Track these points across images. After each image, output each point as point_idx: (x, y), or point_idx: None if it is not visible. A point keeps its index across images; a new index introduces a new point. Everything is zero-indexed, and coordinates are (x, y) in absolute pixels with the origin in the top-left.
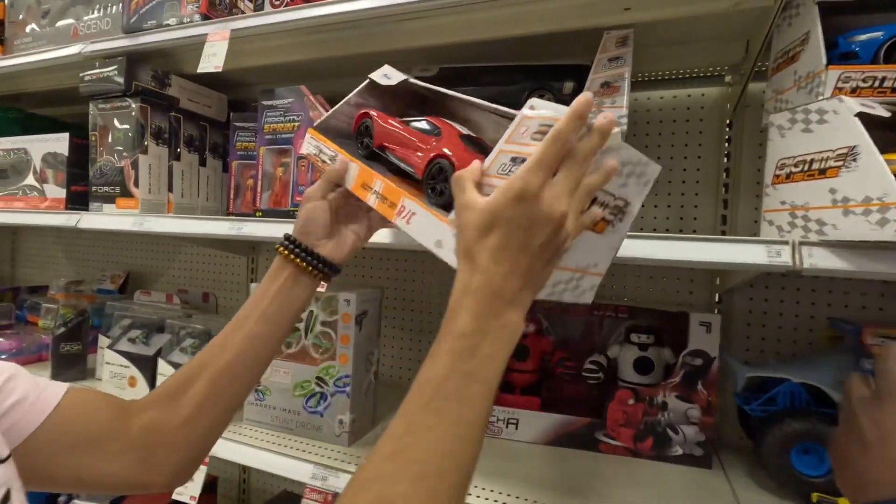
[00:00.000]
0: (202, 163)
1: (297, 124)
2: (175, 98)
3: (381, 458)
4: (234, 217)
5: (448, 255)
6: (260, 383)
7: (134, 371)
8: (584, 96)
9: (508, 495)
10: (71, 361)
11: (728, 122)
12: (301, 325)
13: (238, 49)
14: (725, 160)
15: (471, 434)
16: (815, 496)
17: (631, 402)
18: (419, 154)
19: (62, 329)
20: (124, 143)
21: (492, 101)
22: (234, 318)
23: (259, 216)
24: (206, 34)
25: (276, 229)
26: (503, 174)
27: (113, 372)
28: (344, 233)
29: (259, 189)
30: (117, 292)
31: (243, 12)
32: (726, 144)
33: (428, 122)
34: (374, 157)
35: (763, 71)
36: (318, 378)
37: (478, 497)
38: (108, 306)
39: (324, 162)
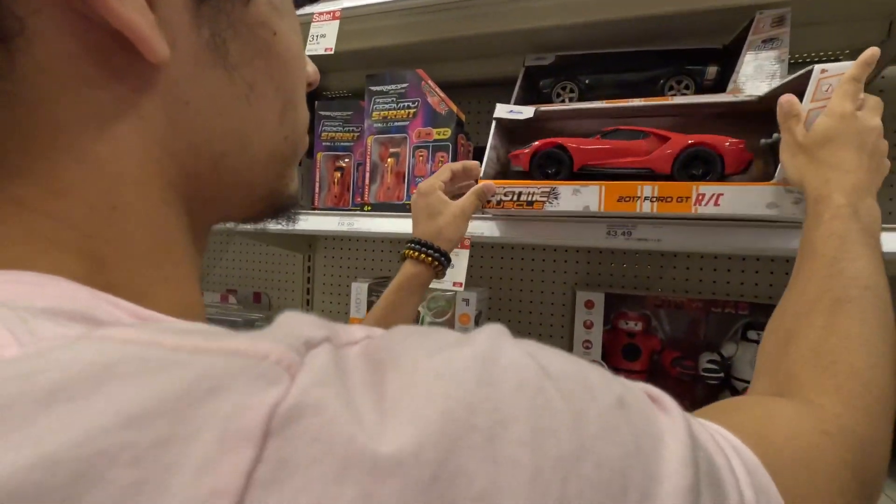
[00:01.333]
0: None
1: (413, 111)
2: None
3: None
4: (342, 211)
5: (787, 209)
6: None
7: None
8: (871, 50)
9: None
10: None
11: None
12: None
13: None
14: None
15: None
16: None
17: None
18: (650, 154)
19: None
20: None
21: (627, 89)
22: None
23: (368, 209)
24: (313, 13)
25: (389, 224)
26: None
27: None
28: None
29: (367, 181)
30: None
31: None
32: None
33: (625, 130)
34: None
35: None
36: None
37: None
38: None
39: (499, 203)
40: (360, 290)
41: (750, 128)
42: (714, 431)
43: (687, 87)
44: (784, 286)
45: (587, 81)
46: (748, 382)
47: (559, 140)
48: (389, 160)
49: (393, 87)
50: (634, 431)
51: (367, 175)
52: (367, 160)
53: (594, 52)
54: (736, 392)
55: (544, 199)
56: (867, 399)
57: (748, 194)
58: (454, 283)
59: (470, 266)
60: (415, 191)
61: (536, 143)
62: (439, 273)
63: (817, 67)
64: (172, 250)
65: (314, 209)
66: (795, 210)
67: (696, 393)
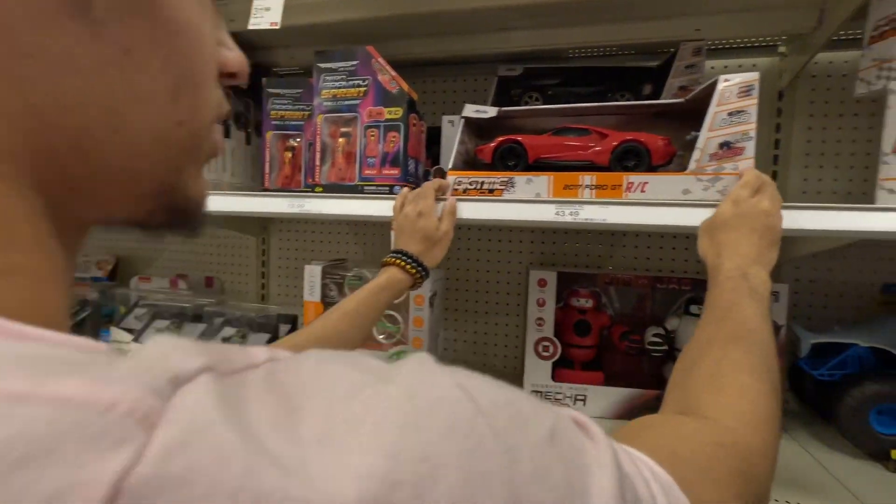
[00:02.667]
0: (226, 133)
1: (363, 89)
2: None
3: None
4: (292, 193)
5: (697, 194)
6: None
7: None
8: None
9: None
10: None
11: (779, 93)
12: None
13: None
14: (776, 132)
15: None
16: (893, 453)
17: None
18: (591, 149)
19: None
20: None
21: (582, 99)
22: (337, 314)
23: (319, 191)
24: None
25: (341, 206)
26: (725, 125)
27: None
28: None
29: (318, 162)
30: (107, 279)
31: None
32: (777, 116)
33: (573, 129)
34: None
35: (837, 41)
36: None
37: None
38: (119, 294)
39: (465, 191)
40: (313, 272)
41: (680, 125)
42: (636, 458)
43: (628, 99)
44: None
45: (549, 92)
46: None
47: (517, 137)
48: (340, 140)
49: (343, 64)
50: (566, 469)
51: (318, 155)
52: (318, 140)
53: (557, 66)
54: None
55: (503, 187)
56: (754, 415)
57: (667, 183)
58: None
59: None
60: (410, 206)
61: (499, 138)
62: (418, 284)
63: (721, 78)
64: (15, 238)
65: (266, 190)
66: (704, 195)
67: (642, 364)
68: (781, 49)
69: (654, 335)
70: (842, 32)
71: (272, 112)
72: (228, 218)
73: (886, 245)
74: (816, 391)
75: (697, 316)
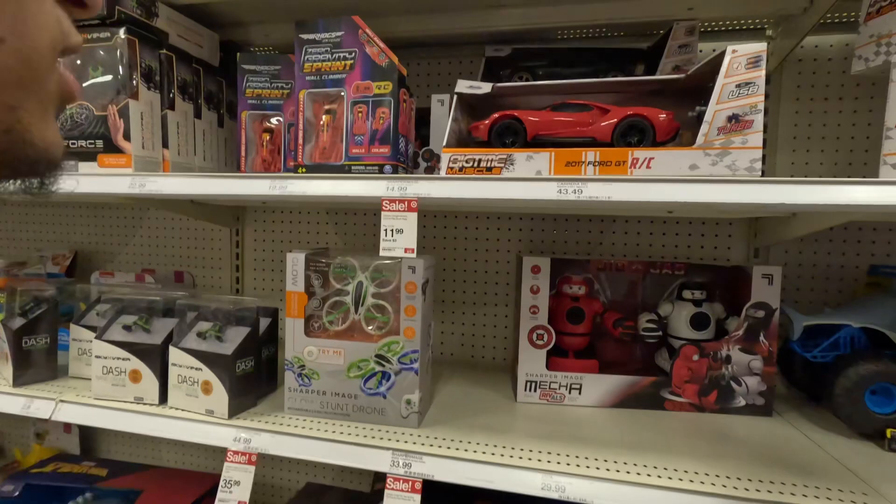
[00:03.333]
0: (197, 114)
1: (349, 62)
2: (164, 32)
3: None
4: (274, 174)
5: (705, 170)
6: (304, 365)
7: (137, 363)
8: None
9: (586, 458)
10: (37, 359)
11: (766, 77)
12: (348, 299)
13: None
14: (763, 116)
15: None
16: (889, 432)
17: (696, 357)
18: (593, 125)
19: (21, 320)
20: (106, 86)
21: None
22: None
23: (303, 172)
24: None
25: (328, 186)
26: (733, 97)
27: (108, 367)
28: None
29: (301, 141)
30: (64, 276)
31: None
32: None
33: (572, 104)
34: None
35: (825, 24)
36: (378, 356)
37: (558, 463)
38: (79, 290)
39: (461, 169)
40: (296, 260)
41: (678, 102)
42: None
43: None
44: (715, 245)
45: (540, 73)
46: (684, 340)
47: (515, 112)
48: (325, 117)
49: (326, 35)
50: None
51: (301, 134)
52: (300, 117)
53: (546, 46)
54: (672, 349)
55: (501, 165)
56: None
57: (674, 158)
58: (405, 249)
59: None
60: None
61: (495, 114)
62: None
63: (729, 48)
64: None
65: (240, 173)
66: (712, 170)
67: (635, 351)
68: (769, 32)
69: (648, 321)
70: (829, 15)
71: (248, 90)
72: (198, 206)
73: (872, 227)
74: (808, 373)
75: (691, 301)
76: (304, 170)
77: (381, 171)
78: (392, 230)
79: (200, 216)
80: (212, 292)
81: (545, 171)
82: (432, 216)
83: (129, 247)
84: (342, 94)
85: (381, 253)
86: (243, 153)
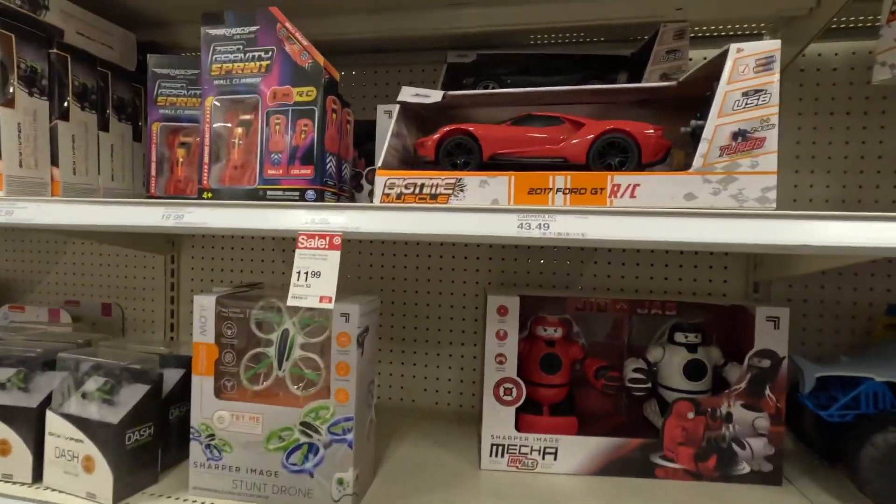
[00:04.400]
0: (103, 126)
1: (266, 63)
2: (57, 28)
3: None
4: (168, 201)
5: (704, 200)
6: (213, 435)
7: (6, 431)
8: None
9: None
10: None
11: None
12: (271, 351)
13: None
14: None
15: None
16: None
17: (691, 415)
18: (564, 142)
19: None
20: None
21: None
22: None
23: (208, 197)
24: None
25: (237, 217)
26: (739, 108)
27: None
28: None
29: (207, 160)
30: None
31: None
32: None
33: (539, 117)
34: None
35: (833, 29)
36: (304, 424)
37: None
38: None
39: (399, 196)
40: (205, 305)
41: (668, 116)
42: None
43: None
44: (709, 279)
45: (508, 81)
46: (677, 391)
47: (468, 126)
48: (238, 130)
49: (239, 30)
50: None
51: (207, 150)
52: (207, 130)
53: (514, 52)
54: (664, 402)
55: (449, 191)
56: None
57: (665, 185)
58: (321, 298)
59: (355, 269)
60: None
61: (444, 128)
62: None
63: (733, 47)
64: None
65: (151, 198)
66: (714, 200)
67: (620, 402)
68: (767, 39)
69: (636, 370)
70: (837, 19)
71: (159, 97)
72: (129, 235)
73: (887, 258)
74: (821, 432)
75: (684, 346)
76: (209, 195)
77: (301, 198)
78: (306, 273)
79: (128, 243)
80: (143, 327)
81: (503, 199)
82: (379, 242)
83: (52, 275)
84: (258, 101)
85: (289, 302)
86: (153, 172)
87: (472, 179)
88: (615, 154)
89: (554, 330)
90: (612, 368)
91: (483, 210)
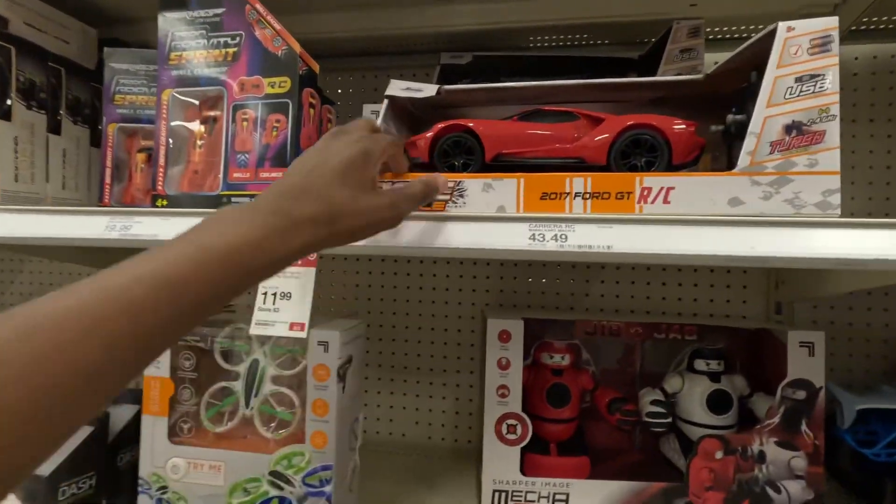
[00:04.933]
0: (53, 128)
1: (233, 50)
2: (1, 17)
3: None
4: (112, 209)
5: (754, 206)
6: (165, 487)
7: None
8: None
9: None
10: None
11: None
12: (237, 385)
13: None
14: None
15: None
16: None
17: (719, 455)
18: (580, 141)
19: None
20: None
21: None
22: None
23: (163, 205)
24: None
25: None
26: (792, 97)
27: None
28: None
29: (163, 161)
30: None
31: None
32: None
33: (549, 112)
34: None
35: (853, 31)
36: (273, 474)
37: None
38: None
39: None
40: None
41: (689, 116)
42: None
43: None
44: (727, 298)
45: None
46: (699, 425)
47: (467, 122)
48: (199, 129)
49: (202, 13)
50: None
51: (163, 151)
52: (163, 127)
53: (512, 54)
54: (685, 439)
55: (446, 196)
56: None
57: (705, 188)
58: (292, 326)
59: (335, 287)
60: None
61: (439, 125)
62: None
63: (782, 25)
64: None
65: (103, 206)
66: (764, 207)
67: (633, 437)
68: None
69: (654, 402)
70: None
71: (117, 96)
72: (90, 250)
73: None
74: (863, 472)
75: (706, 374)
76: (164, 202)
77: None
78: (274, 294)
79: (85, 260)
80: None
81: (511, 205)
82: (366, 259)
83: (6, 296)
84: (222, 94)
85: (253, 329)
86: (108, 179)
87: (473, 183)
88: (641, 153)
89: (561, 357)
90: (627, 401)
91: (488, 219)
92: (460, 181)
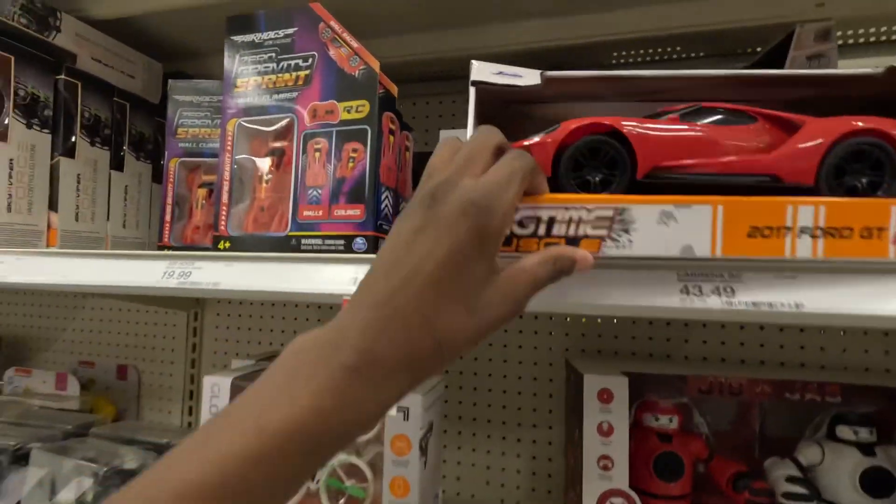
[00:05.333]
0: (117, 164)
1: (305, 73)
2: (68, 52)
3: None
4: (172, 253)
5: None
6: None
7: None
8: None
9: None
10: None
11: None
12: None
13: None
14: None
15: None
16: None
17: None
18: (769, 150)
19: None
20: None
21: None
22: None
23: (225, 248)
24: None
25: (260, 276)
26: None
27: None
28: None
29: (226, 199)
30: None
31: None
32: None
33: (713, 109)
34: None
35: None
36: None
37: None
38: None
39: (511, 242)
40: (216, 388)
41: None
42: None
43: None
44: (865, 349)
45: None
46: None
47: (610, 121)
48: (267, 161)
49: (272, 35)
50: None
51: (227, 187)
52: (227, 161)
53: (596, 74)
54: None
55: (603, 230)
56: None
57: None
58: None
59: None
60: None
61: (571, 124)
62: None
63: None
64: None
65: (163, 248)
66: None
67: None
68: None
69: (789, 479)
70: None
71: (179, 129)
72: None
73: None
74: None
75: (855, 445)
76: (226, 244)
77: (348, 248)
78: None
79: (145, 300)
80: (159, 394)
81: (703, 243)
82: None
83: (68, 332)
84: (292, 122)
85: None
86: (168, 217)
87: (644, 210)
88: (862, 171)
89: (669, 419)
90: (755, 479)
91: (632, 265)
92: (624, 206)
